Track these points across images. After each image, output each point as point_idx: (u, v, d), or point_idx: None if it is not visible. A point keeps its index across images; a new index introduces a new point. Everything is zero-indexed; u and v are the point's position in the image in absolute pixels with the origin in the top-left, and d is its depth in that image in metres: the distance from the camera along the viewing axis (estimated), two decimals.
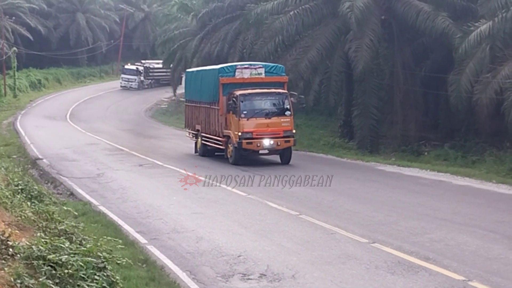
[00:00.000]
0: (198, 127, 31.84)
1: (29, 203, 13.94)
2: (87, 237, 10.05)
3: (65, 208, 13.94)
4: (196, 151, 32.32)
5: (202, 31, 48.53)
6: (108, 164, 28.78)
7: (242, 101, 27.22)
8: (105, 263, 8.38)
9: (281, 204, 19.25)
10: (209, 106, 30.17)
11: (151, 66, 77.06)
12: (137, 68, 75.75)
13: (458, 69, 27.99)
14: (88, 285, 7.54)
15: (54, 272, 7.66)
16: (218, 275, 13.05)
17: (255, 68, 28.58)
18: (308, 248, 14.81)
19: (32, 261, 8.32)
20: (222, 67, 29.53)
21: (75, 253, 8.22)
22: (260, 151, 27.67)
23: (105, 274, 8.14)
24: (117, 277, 8.56)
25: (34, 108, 60.25)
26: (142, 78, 75.05)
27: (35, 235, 10.09)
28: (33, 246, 8.73)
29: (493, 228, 15.98)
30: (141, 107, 61.91)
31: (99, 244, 8.85)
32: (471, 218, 17.25)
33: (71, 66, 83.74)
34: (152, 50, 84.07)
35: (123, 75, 75.56)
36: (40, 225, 11.11)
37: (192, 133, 33.08)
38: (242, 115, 27.07)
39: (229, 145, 28.08)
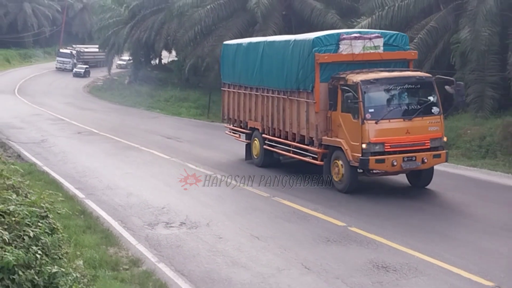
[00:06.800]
0: (253, 124, 19.00)
1: None
2: (32, 191, 9.83)
3: (13, 167, 13.54)
4: (248, 158, 19.64)
5: (132, 20, 47.75)
6: (51, 131, 27.95)
7: (365, 93, 14.47)
8: (47, 212, 8.20)
9: (199, 165, 19.21)
10: (284, 96, 17.19)
11: (81, 50, 75.18)
12: (71, 52, 73.69)
13: None
14: (32, 231, 7.39)
15: (3, 219, 7.47)
16: (145, 224, 13.00)
17: (370, 38, 15.85)
18: (221, 202, 14.90)
19: None
20: (318, 38, 16.03)
21: (21, 204, 8.02)
22: (390, 171, 14.89)
23: (47, 221, 7.98)
24: (58, 225, 8.42)
25: None
26: (75, 60, 72.88)
27: None
28: None
29: (370, 183, 16.25)
30: (79, 84, 60.27)
31: (42, 196, 8.64)
32: None
33: (19, 47, 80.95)
34: (89, 36, 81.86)
35: (58, 58, 73.08)
36: None
37: (240, 132, 20.07)
38: (368, 116, 14.35)
39: (337, 162, 15.21)
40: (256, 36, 31.00)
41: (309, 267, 10.31)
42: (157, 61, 56.51)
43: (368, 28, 23.98)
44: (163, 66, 55.48)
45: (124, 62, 64.33)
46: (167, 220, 13.23)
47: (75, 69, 67.15)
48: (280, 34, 32.02)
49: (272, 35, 30.43)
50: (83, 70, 66.16)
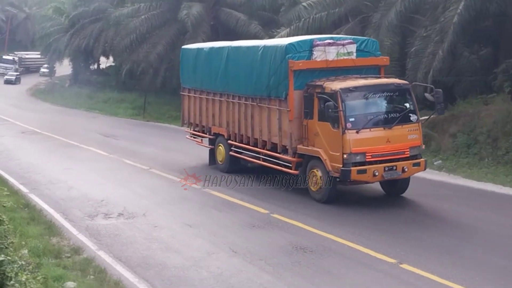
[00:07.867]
0: (218, 130, 16.78)
1: None
2: None
3: None
4: (212, 163, 17.46)
5: (72, 29, 46.67)
6: None
7: (345, 101, 12.67)
8: None
9: (135, 161, 18.93)
10: (253, 102, 15.12)
11: (23, 57, 72.81)
12: (13, 58, 71.31)
13: None
14: None
15: None
16: (85, 215, 12.74)
17: (343, 45, 14.12)
18: (156, 193, 14.75)
19: None
20: (291, 44, 14.10)
21: None
22: (371, 181, 13.17)
23: None
24: (4, 217, 8.14)
25: None
26: (17, 66, 70.40)
27: None
28: None
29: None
30: (23, 87, 58.21)
31: None
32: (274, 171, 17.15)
33: None
34: (32, 43, 79.09)
35: (1, 64, 70.47)
36: None
37: (202, 137, 17.86)
38: (348, 125, 12.59)
39: (315, 172, 13.32)
40: (187, 43, 30.67)
41: (236, 250, 10.37)
42: (95, 66, 55.38)
43: (287, 37, 24.09)
44: (101, 71, 54.38)
45: (47, 70, 62.22)
46: (106, 211, 13.00)
47: (6, 76, 62.80)
48: (209, 41, 32.01)
49: (201, 42, 30.34)
50: (14, 77, 62.80)
